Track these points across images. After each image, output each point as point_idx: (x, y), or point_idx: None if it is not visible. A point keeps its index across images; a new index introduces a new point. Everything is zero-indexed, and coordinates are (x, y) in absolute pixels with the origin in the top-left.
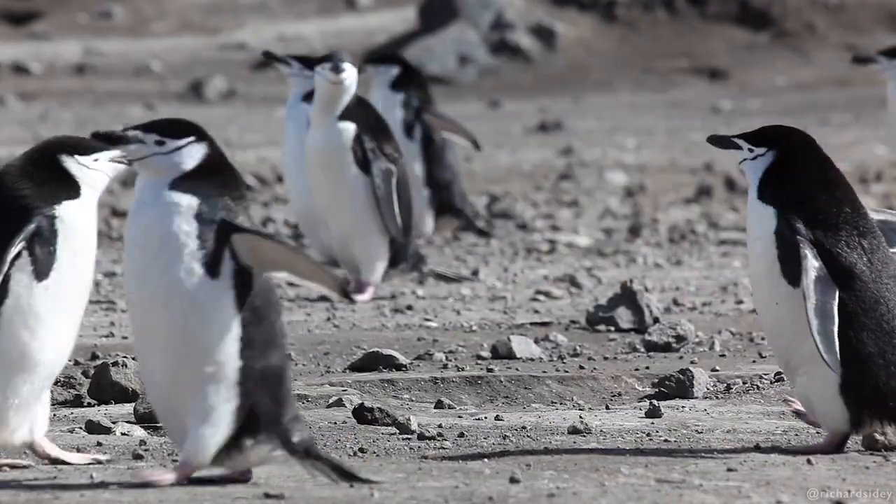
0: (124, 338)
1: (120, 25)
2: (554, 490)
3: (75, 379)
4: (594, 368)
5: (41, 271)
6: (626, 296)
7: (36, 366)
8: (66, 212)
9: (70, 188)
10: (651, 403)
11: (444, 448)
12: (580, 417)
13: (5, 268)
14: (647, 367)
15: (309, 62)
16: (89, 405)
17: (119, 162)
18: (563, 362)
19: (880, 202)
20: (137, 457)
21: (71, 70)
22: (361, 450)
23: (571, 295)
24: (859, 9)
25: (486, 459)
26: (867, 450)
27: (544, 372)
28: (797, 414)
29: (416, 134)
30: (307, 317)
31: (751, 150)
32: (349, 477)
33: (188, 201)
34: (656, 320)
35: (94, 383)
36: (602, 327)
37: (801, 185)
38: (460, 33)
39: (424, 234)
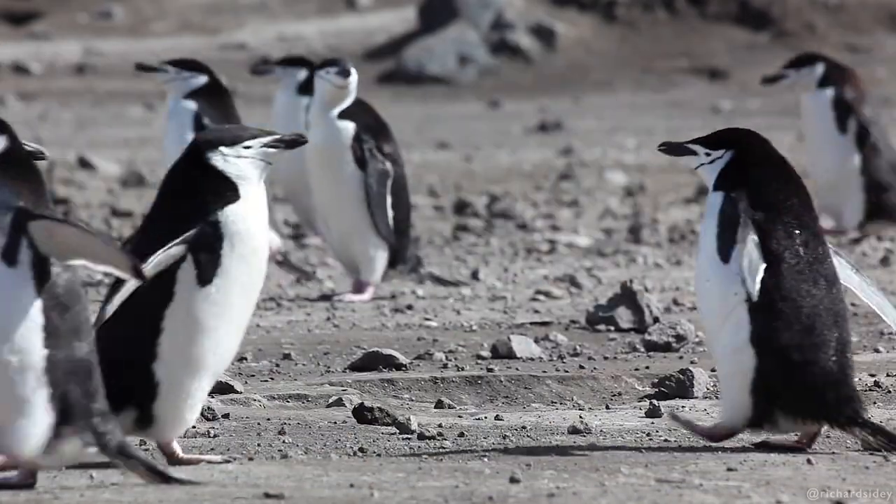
0: None
1: (120, 25)
2: (554, 490)
3: None
4: (594, 368)
5: (204, 278)
6: (626, 296)
7: (199, 370)
8: (229, 215)
9: (228, 187)
10: (651, 403)
11: (443, 448)
12: (580, 417)
13: (148, 267)
14: (647, 367)
15: (184, 65)
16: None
17: (272, 146)
18: (563, 362)
19: None
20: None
21: (71, 70)
22: (361, 449)
23: (571, 295)
24: (859, 9)
25: (486, 459)
26: (867, 450)
27: (544, 372)
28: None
29: None
30: (307, 317)
31: (708, 154)
32: (163, 478)
33: None
34: (656, 320)
35: None
36: (602, 327)
37: (756, 175)
38: (460, 33)
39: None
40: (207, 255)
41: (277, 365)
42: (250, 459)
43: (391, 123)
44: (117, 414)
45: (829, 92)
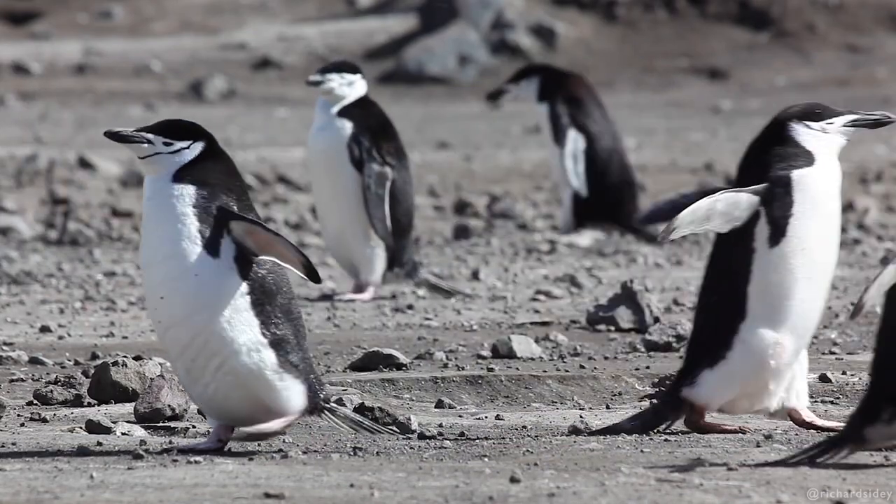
0: (124, 338)
1: (120, 25)
2: (554, 490)
3: (75, 379)
4: (594, 368)
5: (775, 236)
6: (627, 295)
7: (778, 326)
8: (802, 177)
9: (803, 155)
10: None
11: (444, 448)
12: (580, 417)
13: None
14: (648, 367)
15: None
16: (89, 405)
17: (857, 125)
18: (564, 362)
19: (880, 202)
20: (137, 457)
21: (71, 70)
22: (361, 449)
23: (572, 295)
24: (859, 9)
25: (486, 459)
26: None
27: (545, 371)
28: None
29: None
30: (307, 316)
31: (168, 144)
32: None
33: None
34: (656, 320)
35: (94, 383)
36: (602, 327)
37: (225, 169)
38: (460, 33)
39: None
40: (780, 213)
41: None
42: (250, 459)
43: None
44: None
45: (545, 107)
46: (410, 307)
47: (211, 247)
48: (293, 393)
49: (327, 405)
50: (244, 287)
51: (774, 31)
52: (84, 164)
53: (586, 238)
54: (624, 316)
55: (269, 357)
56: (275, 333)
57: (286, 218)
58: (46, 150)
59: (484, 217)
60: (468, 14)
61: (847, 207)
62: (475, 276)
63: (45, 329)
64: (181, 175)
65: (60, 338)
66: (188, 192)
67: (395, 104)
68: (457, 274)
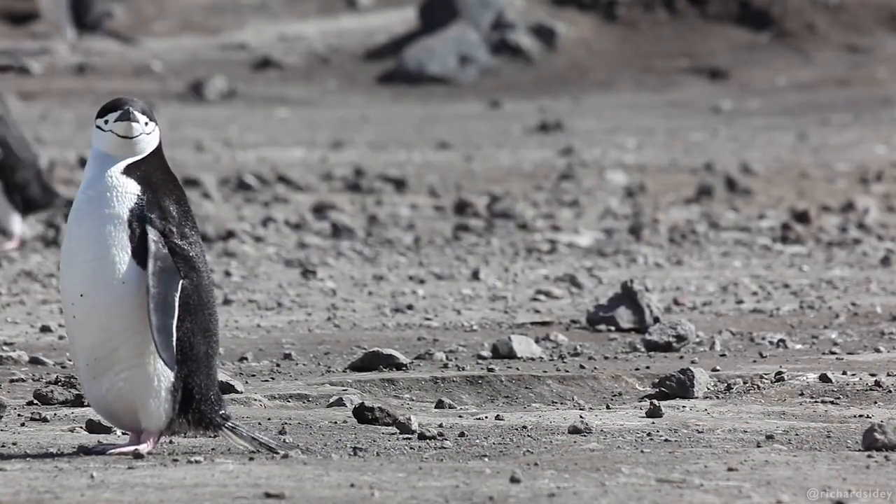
0: None
1: (120, 25)
2: (554, 490)
3: (75, 379)
4: (595, 368)
5: None
6: (627, 295)
7: None
8: None
9: None
10: (652, 403)
11: (444, 448)
12: (581, 417)
13: None
14: (648, 367)
15: None
16: (89, 405)
17: None
18: (564, 362)
19: (880, 202)
20: (138, 456)
21: (71, 70)
22: (362, 449)
23: (572, 295)
24: (859, 9)
25: (486, 459)
26: (867, 450)
27: (545, 371)
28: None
29: None
30: (308, 316)
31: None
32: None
33: None
34: (657, 320)
35: None
36: (602, 327)
37: (163, 169)
38: (460, 33)
39: None
40: None
41: (278, 365)
42: (251, 459)
43: (391, 123)
44: None
45: None
46: (410, 307)
47: (141, 257)
48: (161, 412)
49: (227, 423)
50: None
51: (775, 31)
52: (84, 163)
53: (586, 238)
54: (624, 316)
55: (170, 374)
56: (186, 353)
57: (286, 218)
58: (46, 150)
59: (484, 217)
60: (468, 14)
61: (847, 207)
62: (475, 276)
63: (45, 329)
64: (129, 169)
65: (60, 338)
66: (131, 190)
67: (395, 104)
68: (457, 274)
